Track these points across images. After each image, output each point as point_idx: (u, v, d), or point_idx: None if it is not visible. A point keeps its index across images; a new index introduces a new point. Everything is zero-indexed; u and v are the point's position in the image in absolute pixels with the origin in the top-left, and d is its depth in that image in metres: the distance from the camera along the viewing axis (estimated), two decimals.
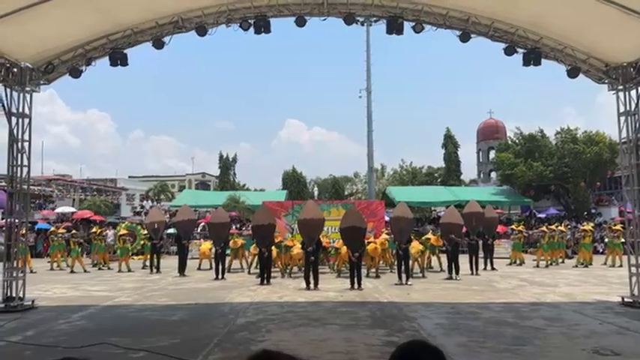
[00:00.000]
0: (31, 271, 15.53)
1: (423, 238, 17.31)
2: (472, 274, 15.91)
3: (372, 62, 36.01)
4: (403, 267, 13.88)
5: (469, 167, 48.37)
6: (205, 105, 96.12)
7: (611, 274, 15.98)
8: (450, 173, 42.05)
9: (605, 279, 14.77)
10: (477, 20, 10.67)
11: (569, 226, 24.73)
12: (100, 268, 19.05)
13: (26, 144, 10.39)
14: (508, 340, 7.23)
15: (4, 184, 21.27)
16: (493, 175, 42.21)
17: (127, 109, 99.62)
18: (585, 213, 29.55)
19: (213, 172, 58.38)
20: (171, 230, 22.98)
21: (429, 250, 16.84)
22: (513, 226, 22.59)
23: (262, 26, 10.42)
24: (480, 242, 17.32)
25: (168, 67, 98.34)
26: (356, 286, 12.65)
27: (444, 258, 16.47)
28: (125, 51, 10.83)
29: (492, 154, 42.34)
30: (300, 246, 13.88)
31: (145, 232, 19.58)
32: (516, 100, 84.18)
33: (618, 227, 18.74)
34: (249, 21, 10.46)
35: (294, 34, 67.11)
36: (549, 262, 19.33)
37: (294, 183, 45.72)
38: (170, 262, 18.81)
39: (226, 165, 50.54)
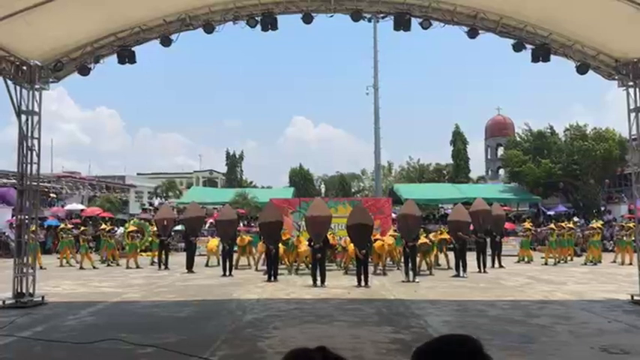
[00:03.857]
0: (41, 268, 15.67)
1: (431, 235, 17.26)
2: (480, 271, 15.85)
3: (379, 59, 35.87)
4: (410, 264, 13.87)
5: (477, 164, 48.16)
6: (213, 102, 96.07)
7: (620, 272, 15.86)
8: (459, 170, 41.84)
9: (614, 277, 14.67)
10: (485, 16, 10.59)
11: (578, 224, 24.54)
12: (108, 265, 19.19)
13: (36, 141, 10.48)
14: (515, 338, 7.20)
15: (14, 181, 21.47)
16: (501, 172, 42.00)
17: (135, 106, 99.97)
18: (594, 210, 29.32)
19: (220, 170, 58.58)
20: (178, 227, 23.10)
21: (436, 248, 16.80)
22: (525, 224, 22.31)
23: (269, 23, 10.44)
24: (488, 240, 17.24)
25: (175, 64, 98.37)
26: (363, 283, 12.65)
27: (451, 255, 16.42)
28: (133, 48, 10.89)
29: (500, 151, 42.13)
30: (307, 243, 13.91)
31: (154, 228, 19.72)
32: (525, 97, 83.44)
33: (631, 225, 18.56)
34: (256, 18, 10.47)
35: (300, 31, 66.89)
36: (558, 260, 19.21)
37: (301, 180, 45.87)
38: (178, 259, 18.90)
39: (233, 162, 50.75)
